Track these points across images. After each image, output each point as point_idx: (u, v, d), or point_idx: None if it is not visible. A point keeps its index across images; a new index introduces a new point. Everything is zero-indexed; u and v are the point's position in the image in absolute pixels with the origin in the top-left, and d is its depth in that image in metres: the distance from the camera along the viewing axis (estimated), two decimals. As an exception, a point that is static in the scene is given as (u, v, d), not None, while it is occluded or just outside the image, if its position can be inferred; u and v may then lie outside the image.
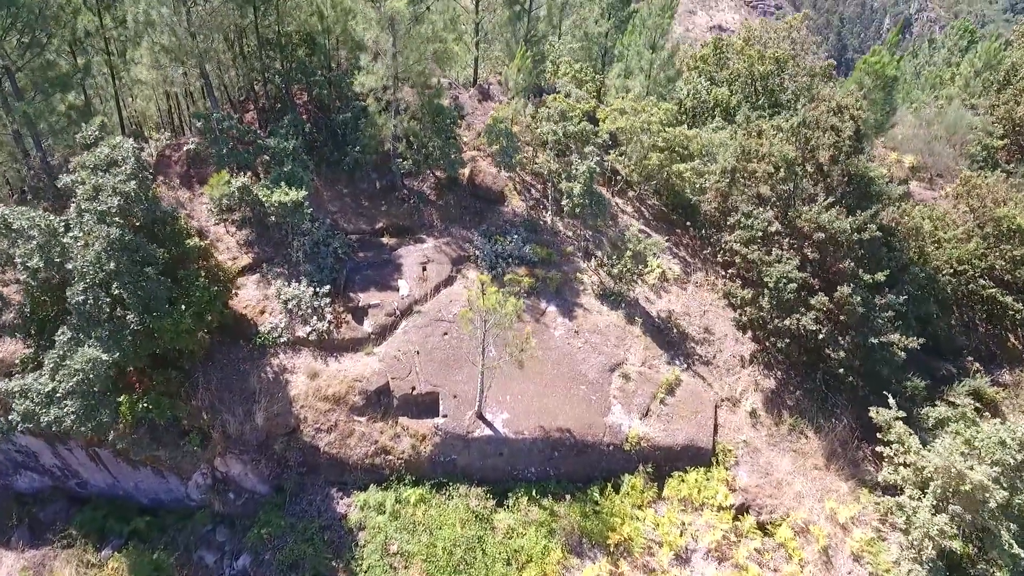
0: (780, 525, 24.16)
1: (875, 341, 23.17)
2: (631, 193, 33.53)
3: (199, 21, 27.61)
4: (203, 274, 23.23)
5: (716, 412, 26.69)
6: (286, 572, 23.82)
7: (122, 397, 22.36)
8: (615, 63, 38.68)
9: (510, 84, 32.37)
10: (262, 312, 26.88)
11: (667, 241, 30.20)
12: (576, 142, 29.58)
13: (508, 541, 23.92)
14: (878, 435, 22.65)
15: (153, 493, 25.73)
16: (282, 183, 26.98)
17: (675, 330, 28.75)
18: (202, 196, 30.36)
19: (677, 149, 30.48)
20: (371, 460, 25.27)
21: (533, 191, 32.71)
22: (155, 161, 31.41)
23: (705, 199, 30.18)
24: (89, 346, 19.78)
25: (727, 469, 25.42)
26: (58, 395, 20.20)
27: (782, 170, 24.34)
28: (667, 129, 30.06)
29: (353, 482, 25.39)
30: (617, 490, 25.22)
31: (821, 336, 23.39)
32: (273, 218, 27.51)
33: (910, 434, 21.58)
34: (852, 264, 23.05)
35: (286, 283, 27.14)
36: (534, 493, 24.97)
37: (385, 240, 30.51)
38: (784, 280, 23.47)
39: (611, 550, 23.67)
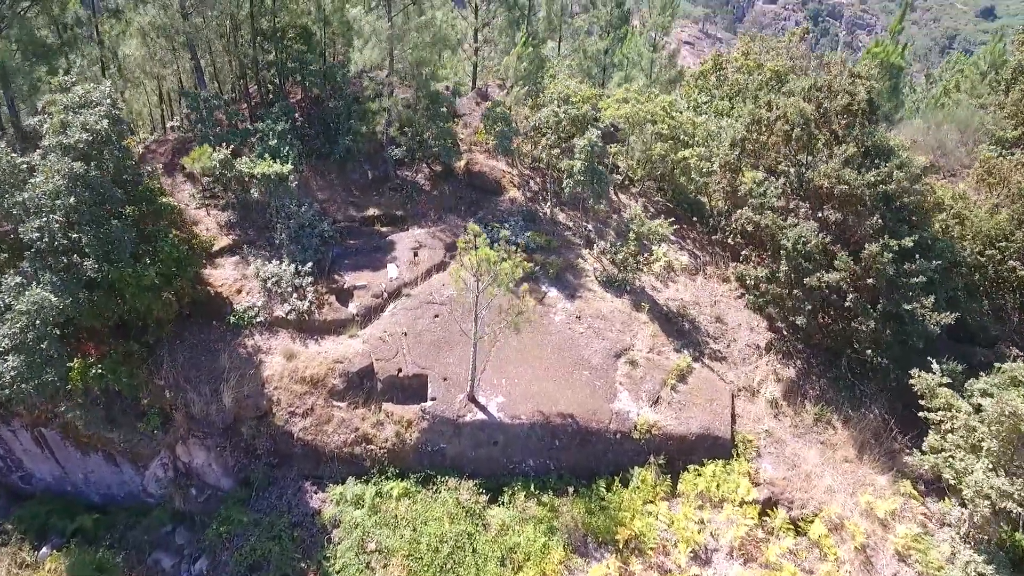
0: (812, 521, 21.28)
1: (907, 308, 21.10)
2: (634, 189, 32.18)
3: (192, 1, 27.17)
4: (174, 231, 21.47)
5: (733, 401, 24.22)
6: (246, 574, 20.81)
7: (74, 362, 20.09)
8: (615, 73, 38.31)
9: (510, 72, 31.63)
10: (239, 291, 24.92)
11: (673, 234, 28.49)
12: (577, 127, 28.48)
13: (502, 538, 21.02)
14: (920, 402, 20.14)
15: (105, 487, 22.96)
16: (266, 155, 25.66)
17: (684, 319, 26.65)
18: (185, 183, 29.05)
19: (682, 137, 29.34)
20: (350, 449, 22.67)
21: (532, 183, 31.38)
22: (141, 153, 30.37)
23: (712, 182, 28.67)
24: (40, 288, 17.78)
25: (749, 461, 22.70)
26: (-1, 350, 18.06)
27: (797, 129, 22.91)
28: (673, 115, 28.99)
29: (329, 474, 22.70)
30: (626, 484, 22.44)
31: (848, 302, 21.29)
32: (256, 194, 26.03)
33: (957, 398, 19.16)
34: (879, 220, 21.23)
35: (266, 261, 25.35)
36: (532, 488, 22.21)
37: (376, 228, 28.89)
38: (802, 241, 21.63)
39: (620, 548, 20.73)
